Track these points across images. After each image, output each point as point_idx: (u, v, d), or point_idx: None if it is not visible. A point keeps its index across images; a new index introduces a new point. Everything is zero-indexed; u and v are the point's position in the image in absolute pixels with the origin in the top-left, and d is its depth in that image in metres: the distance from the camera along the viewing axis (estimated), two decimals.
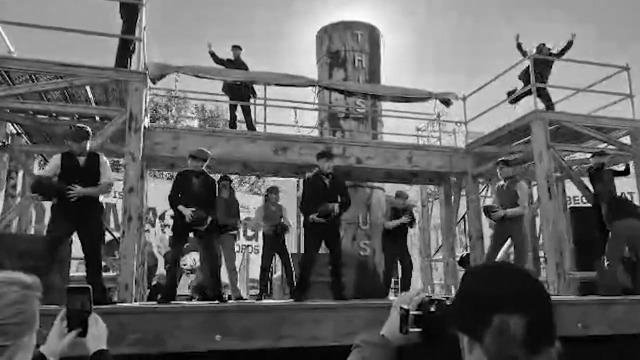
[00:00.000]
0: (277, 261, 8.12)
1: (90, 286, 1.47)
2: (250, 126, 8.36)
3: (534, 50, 8.11)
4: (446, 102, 8.98)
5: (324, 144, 7.94)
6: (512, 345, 0.85)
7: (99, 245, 5.03)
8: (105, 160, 5.14)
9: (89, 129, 5.12)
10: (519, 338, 0.85)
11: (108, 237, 8.62)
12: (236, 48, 8.53)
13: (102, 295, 4.74)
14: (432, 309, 1.09)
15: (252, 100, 8.57)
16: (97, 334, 1.44)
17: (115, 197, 11.09)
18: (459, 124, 9.68)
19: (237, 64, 8.40)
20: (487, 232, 11.01)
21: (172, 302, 5.40)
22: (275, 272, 8.74)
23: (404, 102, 8.98)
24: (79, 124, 5.53)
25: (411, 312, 1.11)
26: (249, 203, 13.81)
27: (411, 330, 1.11)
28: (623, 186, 7.74)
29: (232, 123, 8.53)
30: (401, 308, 1.12)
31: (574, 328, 4.85)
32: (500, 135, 8.34)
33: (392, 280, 7.74)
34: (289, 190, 11.50)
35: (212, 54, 8.43)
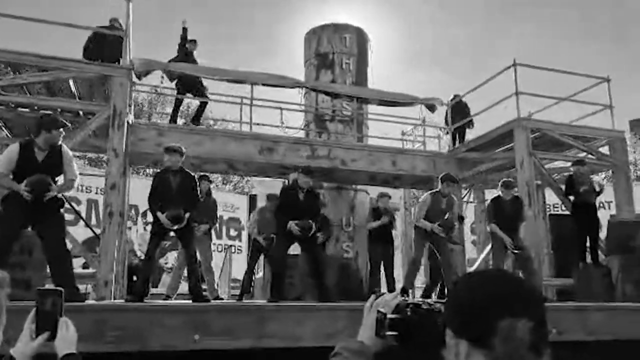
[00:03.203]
0: (259, 262, 8.13)
1: (61, 289, 1.44)
2: (197, 121, 8.34)
3: (451, 98, 9.33)
4: (431, 108, 9.07)
5: (309, 145, 7.96)
6: (521, 349, 0.87)
7: (64, 242, 4.67)
8: (69, 154, 4.74)
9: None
10: (527, 341, 0.87)
11: (88, 233, 8.54)
12: (192, 42, 8.26)
13: (75, 294, 4.47)
14: (409, 313, 1.10)
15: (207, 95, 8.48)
16: (67, 338, 1.40)
17: (97, 193, 10.96)
18: (443, 129, 9.78)
19: (188, 59, 8.15)
20: (468, 236, 11.15)
21: (144, 299, 5.32)
22: (257, 273, 8.73)
23: (390, 106, 9.05)
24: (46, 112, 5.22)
25: (388, 316, 1.11)
26: (233, 202, 13.76)
27: (388, 334, 1.11)
28: (601, 196, 7.87)
29: (174, 116, 8.42)
30: (378, 311, 1.13)
31: (549, 333, 4.91)
32: (483, 142, 8.45)
33: (379, 281, 7.79)
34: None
35: (184, 38, 8.19)
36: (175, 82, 8.10)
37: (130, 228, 10.41)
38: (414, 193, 12.50)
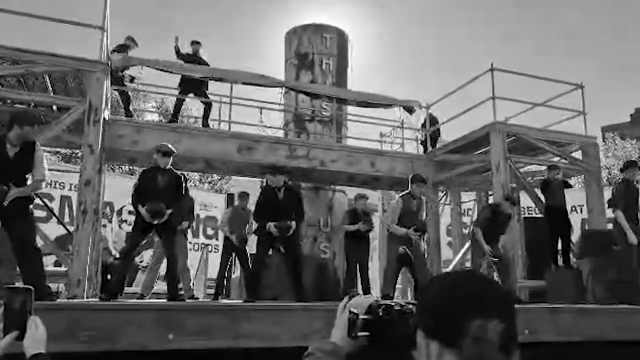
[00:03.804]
0: (235, 261, 8.09)
1: (31, 287, 1.40)
2: (206, 123, 8.29)
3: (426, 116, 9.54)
4: (409, 110, 9.15)
5: (288, 145, 7.95)
6: (491, 350, 0.87)
7: (33, 241, 4.54)
8: (40, 153, 4.56)
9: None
10: (497, 342, 0.87)
11: (61, 230, 8.35)
12: (196, 43, 8.42)
13: (46, 293, 4.41)
14: (381, 314, 1.10)
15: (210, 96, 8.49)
16: (36, 337, 1.36)
17: (70, 189, 10.74)
18: (420, 132, 9.87)
19: (195, 59, 8.30)
20: (444, 238, 11.27)
21: (118, 297, 5.27)
22: (234, 273, 8.68)
23: (369, 107, 9.09)
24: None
25: (360, 316, 1.11)
26: (211, 201, 13.65)
27: (359, 334, 1.11)
28: (572, 200, 8.08)
29: (175, 116, 8.41)
30: (350, 312, 1.13)
31: (521, 334, 4.99)
32: (461, 144, 8.55)
33: (355, 282, 7.79)
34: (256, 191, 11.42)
35: (177, 50, 8.31)
36: (178, 83, 8.12)
37: (105, 226, 10.23)
38: (391, 195, 12.58)
